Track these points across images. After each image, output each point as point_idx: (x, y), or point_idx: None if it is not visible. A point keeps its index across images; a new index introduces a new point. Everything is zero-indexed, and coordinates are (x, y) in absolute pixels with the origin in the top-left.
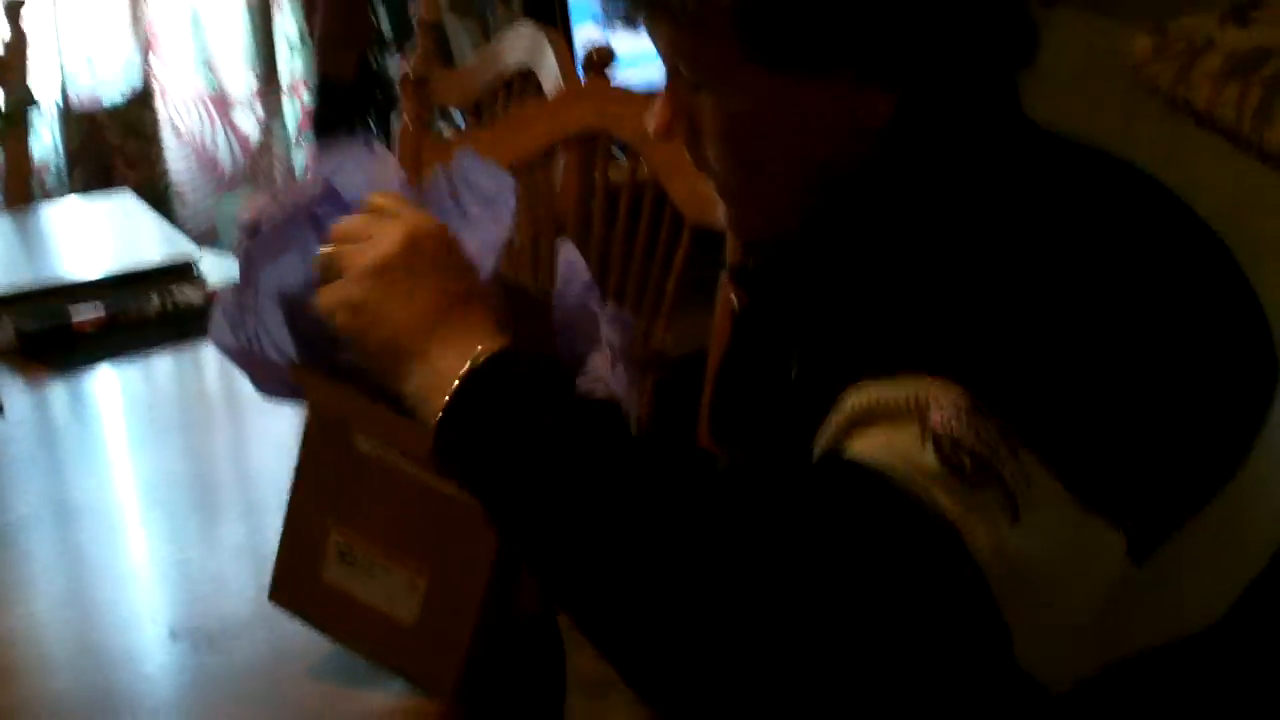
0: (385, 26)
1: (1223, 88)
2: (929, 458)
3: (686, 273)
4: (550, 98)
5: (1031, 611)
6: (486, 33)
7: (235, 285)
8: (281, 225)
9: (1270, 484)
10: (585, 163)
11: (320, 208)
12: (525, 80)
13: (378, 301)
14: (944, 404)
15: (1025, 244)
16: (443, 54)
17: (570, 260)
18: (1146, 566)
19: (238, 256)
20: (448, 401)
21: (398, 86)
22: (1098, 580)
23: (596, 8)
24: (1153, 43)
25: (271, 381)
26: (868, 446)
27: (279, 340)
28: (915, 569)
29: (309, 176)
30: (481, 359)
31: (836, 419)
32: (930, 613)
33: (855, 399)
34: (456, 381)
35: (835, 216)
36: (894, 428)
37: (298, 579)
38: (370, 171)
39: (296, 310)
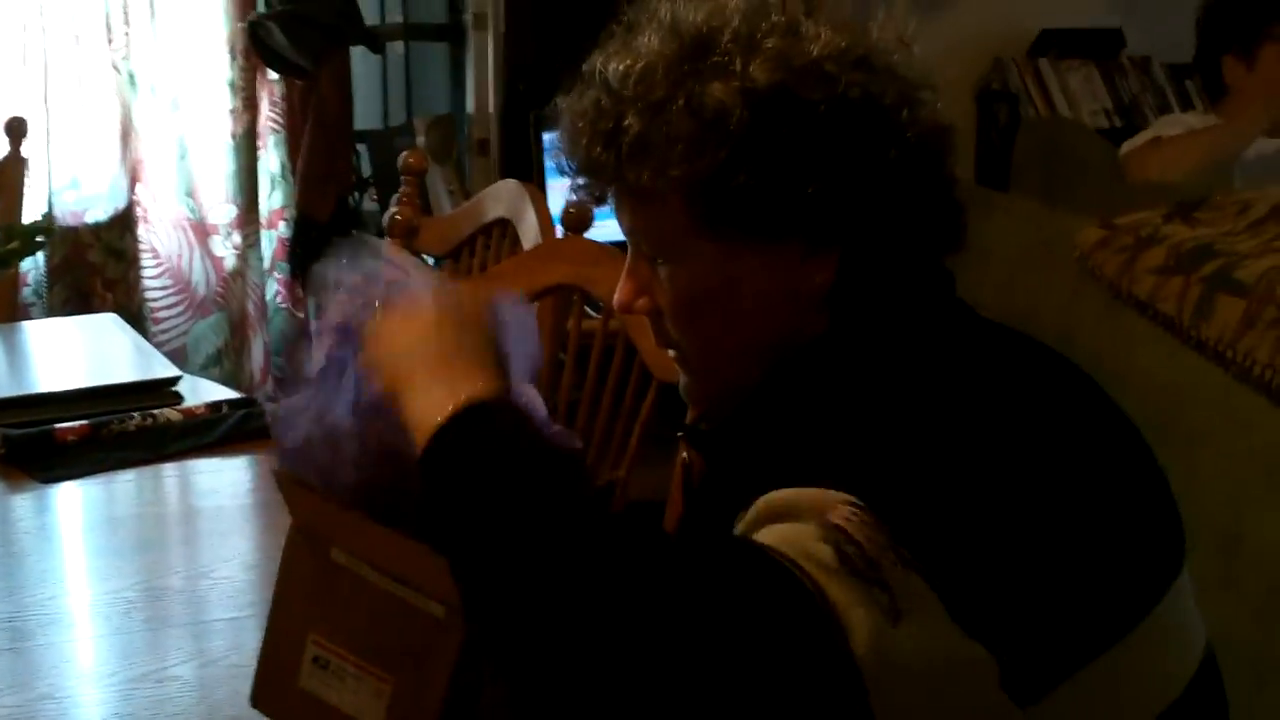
0: (365, 169)
1: (1165, 282)
2: (825, 551)
3: (651, 426)
4: (528, 250)
5: (903, 711)
6: (462, 180)
7: (308, 386)
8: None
9: (1156, 653)
10: (559, 313)
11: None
12: (503, 229)
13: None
14: (842, 509)
15: (942, 408)
16: (420, 198)
17: (530, 398)
18: (1035, 712)
19: (321, 356)
20: (434, 432)
21: (374, 228)
22: (968, 697)
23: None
24: (1101, 235)
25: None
26: (771, 537)
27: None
28: (800, 652)
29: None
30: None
31: (747, 516)
32: (808, 694)
33: (765, 499)
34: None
35: (780, 386)
36: (796, 524)
37: (276, 683)
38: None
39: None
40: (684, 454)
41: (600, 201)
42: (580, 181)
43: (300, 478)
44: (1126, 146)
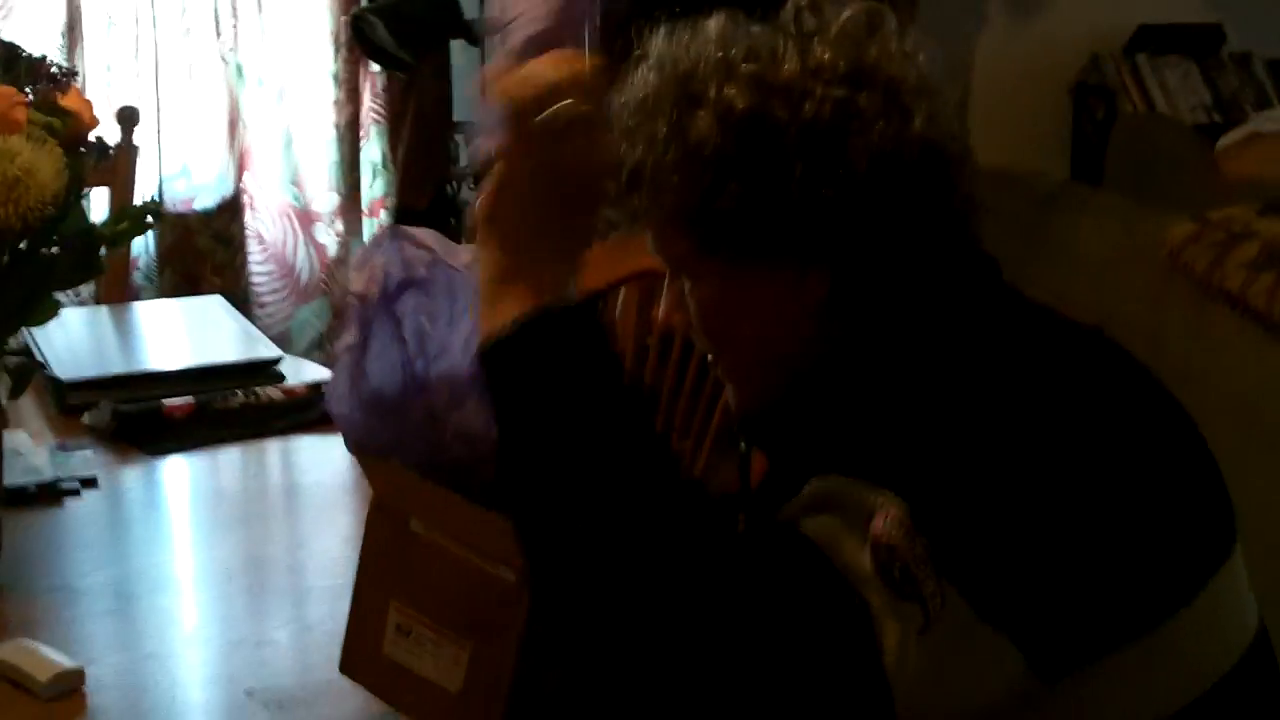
0: (464, 160)
1: (1256, 277)
2: (866, 560)
3: (728, 416)
4: (612, 238)
5: (927, 711)
6: None
7: (346, 353)
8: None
9: (1189, 646)
10: (644, 301)
11: (389, 291)
12: None
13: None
14: (888, 514)
15: (977, 396)
16: None
17: None
18: (1061, 688)
19: (356, 324)
20: (501, 333)
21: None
22: (994, 688)
23: None
24: (1192, 229)
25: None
26: (817, 528)
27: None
28: (832, 644)
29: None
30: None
31: (797, 499)
32: (833, 683)
33: (817, 484)
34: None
35: (813, 385)
36: (842, 523)
37: (362, 652)
38: (405, 249)
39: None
40: (742, 443)
41: (618, 227)
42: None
43: (375, 453)
44: (1223, 142)
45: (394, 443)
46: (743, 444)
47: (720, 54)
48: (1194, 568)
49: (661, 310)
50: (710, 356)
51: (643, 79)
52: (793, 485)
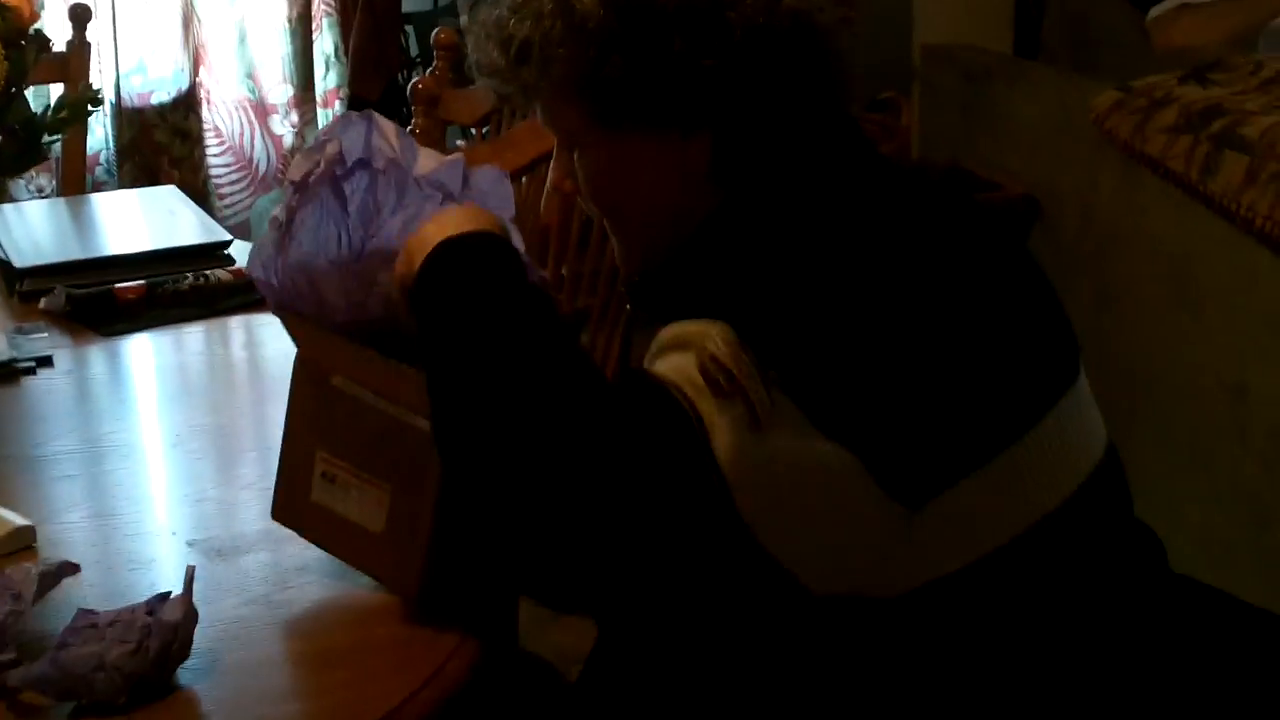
0: (414, 49)
1: (1175, 140)
2: (695, 373)
3: None
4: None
5: (769, 508)
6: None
7: (275, 228)
8: (312, 185)
9: (1038, 465)
10: (571, 176)
11: (340, 171)
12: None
13: None
14: (718, 338)
15: (837, 245)
16: (459, 75)
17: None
18: (929, 510)
19: (286, 204)
20: (425, 259)
21: None
22: (836, 496)
23: None
24: (1116, 97)
25: (274, 305)
26: (663, 366)
27: (276, 272)
28: (668, 455)
29: (322, 142)
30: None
31: (654, 343)
32: (673, 489)
33: (664, 331)
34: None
35: (692, 244)
36: (684, 353)
37: (291, 498)
38: (372, 135)
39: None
40: (628, 305)
41: (508, 102)
42: (491, 83)
43: (299, 314)
44: (1154, 13)
45: (316, 305)
46: (628, 306)
47: None
48: (1035, 395)
49: (550, 178)
50: (599, 222)
51: None
52: None
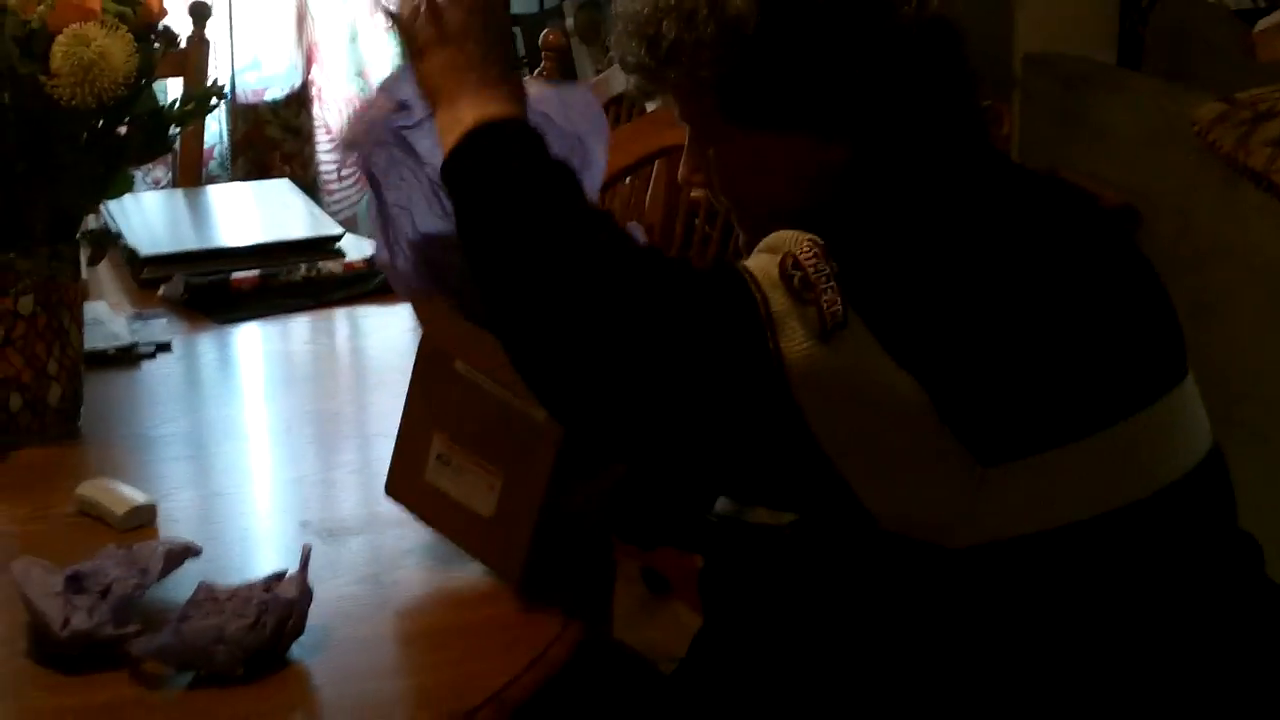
0: (520, 50)
1: (1279, 154)
2: (774, 270)
3: None
4: (643, 116)
5: (831, 415)
6: (610, 59)
7: (374, 207)
8: (378, 146)
9: (1136, 450)
10: (673, 176)
11: (397, 123)
12: (630, 104)
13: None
14: (805, 243)
15: (946, 227)
16: (567, 76)
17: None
18: (1005, 469)
19: (365, 177)
20: (456, 143)
21: None
22: (902, 423)
23: None
24: (1220, 109)
25: (404, 290)
26: (750, 260)
27: (405, 256)
28: (732, 332)
29: (376, 95)
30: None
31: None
32: (731, 365)
33: (765, 239)
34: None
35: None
36: (771, 254)
37: (406, 477)
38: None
39: (419, 231)
40: None
41: (650, 96)
42: (631, 83)
43: (425, 296)
44: (1261, 25)
45: (436, 282)
46: None
47: None
48: (1139, 384)
49: (681, 171)
50: (726, 208)
51: None
52: None
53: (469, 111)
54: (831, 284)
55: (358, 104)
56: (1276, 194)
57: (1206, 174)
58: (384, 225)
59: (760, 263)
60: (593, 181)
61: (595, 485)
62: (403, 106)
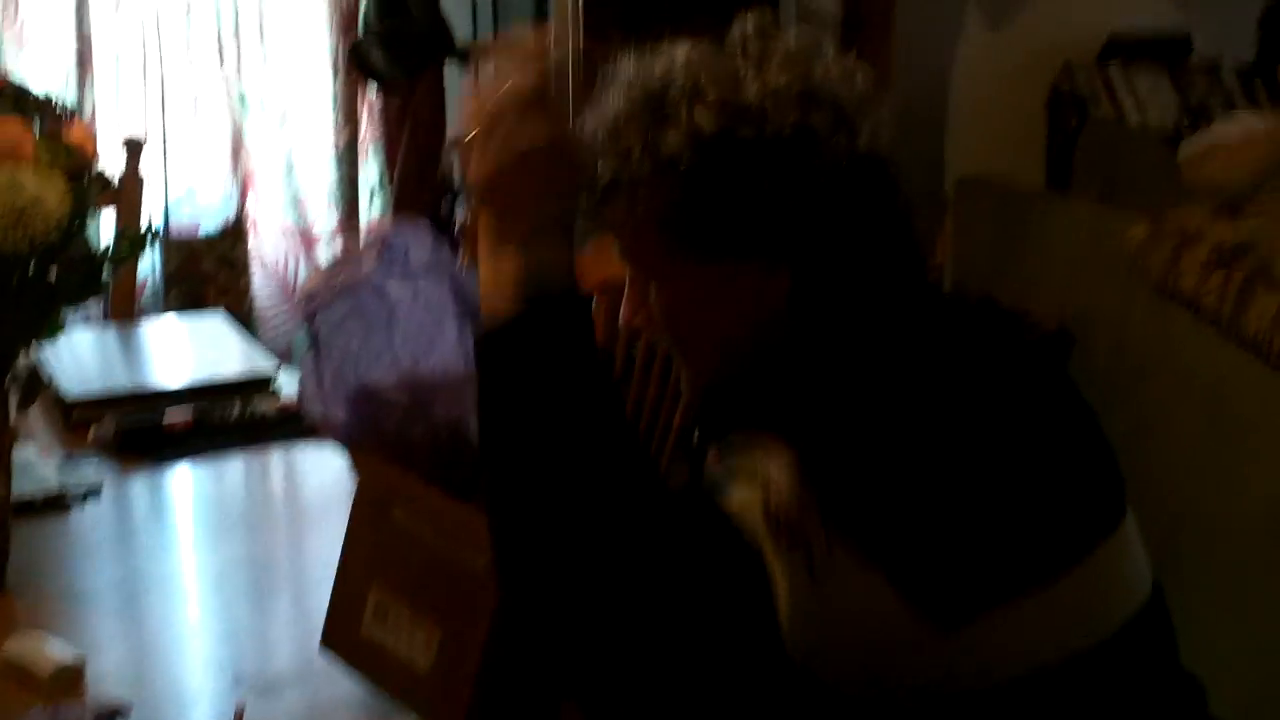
0: (456, 179)
1: (1208, 276)
2: (763, 523)
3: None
4: (595, 248)
5: (816, 647)
6: None
7: (310, 358)
8: (341, 299)
9: (1077, 603)
10: (613, 310)
11: (380, 278)
12: None
13: (510, 184)
14: (782, 481)
15: (897, 379)
16: None
17: None
18: (955, 636)
19: (307, 327)
20: (497, 321)
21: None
22: (884, 626)
23: None
24: (1148, 231)
25: (339, 440)
26: (736, 499)
27: (342, 407)
28: (734, 593)
29: (366, 249)
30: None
31: (720, 462)
32: (731, 620)
33: (737, 448)
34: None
35: (762, 366)
36: (750, 487)
37: (342, 629)
38: (429, 247)
39: (360, 384)
40: (695, 434)
41: (588, 235)
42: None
43: (363, 445)
44: (1185, 149)
45: (371, 434)
46: (696, 434)
47: (688, 79)
48: (1079, 534)
49: (623, 312)
50: (671, 349)
51: (613, 100)
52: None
53: (516, 266)
54: (816, 523)
55: (337, 257)
56: (1206, 316)
57: (1139, 294)
58: (318, 373)
59: (744, 503)
60: None
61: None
62: (390, 256)
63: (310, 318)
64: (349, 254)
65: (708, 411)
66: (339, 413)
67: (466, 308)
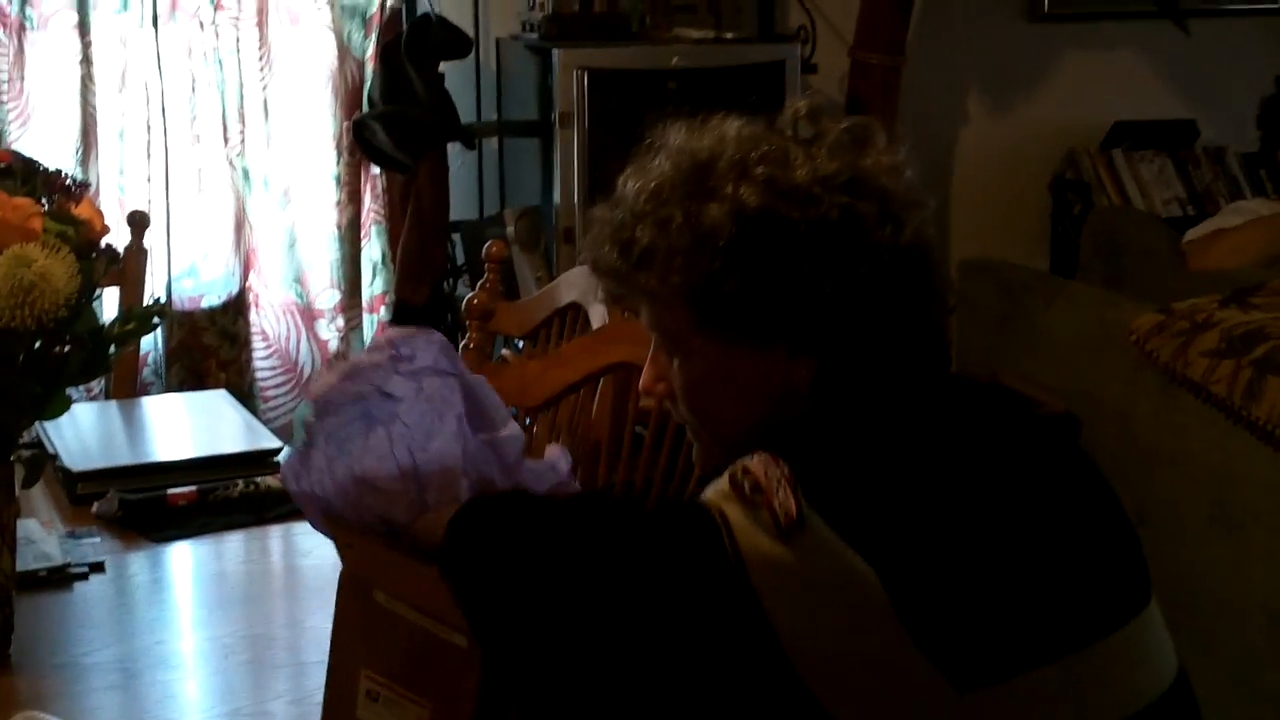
0: (460, 257)
1: (1217, 364)
2: (725, 483)
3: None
4: (592, 332)
5: (792, 610)
6: (549, 266)
7: (301, 444)
8: (346, 401)
9: (1099, 678)
10: (620, 391)
11: (390, 382)
12: (576, 313)
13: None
14: (753, 456)
15: (924, 462)
16: (508, 283)
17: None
18: (972, 697)
19: (305, 425)
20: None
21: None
22: (867, 624)
23: None
24: (1157, 319)
25: (318, 520)
26: (710, 491)
27: (328, 491)
28: (695, 557)
29: (374, 352)
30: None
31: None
32: (704, 592)
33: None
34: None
35: (772, 447)
36: (722, 477)
37: (338, 715)
38: (437, 354)
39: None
40: None
41: (619, 301)
42: (602, 285)
43: (343, 526)
44: (1189, 235)
45: (355, 513)
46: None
47: (737, 154)
48: (1104, 609)
49: (643, 380)
50: (686, 424)
51: (658, 168)
52: None
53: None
54: (784, 486)
55: (347, 363)
56: (1215, 404)
57: (1145, 381)
58: (307, 457)
59: (713, 487)
60: (498, 414)
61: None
62: (397, 359)
63: (315, 421)
64: (359, 362)
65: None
66: (322, 492)
67: (473, 405)
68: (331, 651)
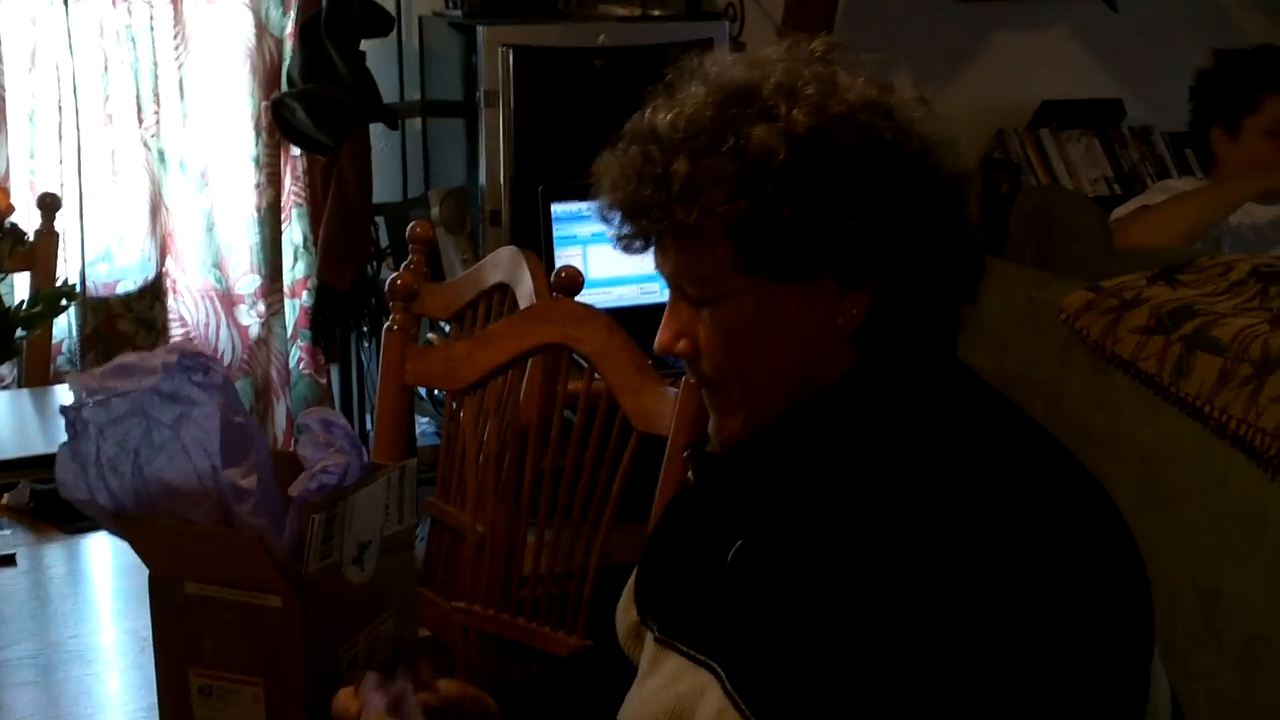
0: (384, 240)
1: (1146, 341)
2: None
3: (631, 477)
4: (520, 312)
5: None
6: (475, 248)
7: (71, 445)
8: (124, 397)
9: None
10: (549, 374)
11: (170, 383)
12: (503, 294)
13: None
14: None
15: (939, 487)
16: (434, 267)
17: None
18: None
19: (70, 421)
20: None
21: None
22: None
23: (577, 234)
24: (1087, 297)
25: (107, 521)
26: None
27: (115, 490)
28: None
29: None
30: None
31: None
32: None
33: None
34: None
35: (798, 424)
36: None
37: None
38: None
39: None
40: (689, 474)
41: (644, 248)
42: (626, 230)
43: (142, 522)
44: (1116, 213)
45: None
46: (690, 475)
47: (785, 76)
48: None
49: (661, 339)
50: (707, 388)
51: (693, 95)
52: (722, 520)
53: None
54: None
55: (126, 359)
56: (1145, 381)
57: (1075, 359)
58: (81, 458)
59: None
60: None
61: (374, 628)
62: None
63: (79, 408)
64: (138, 360)
65: (725, 458)
66: (105, 498)
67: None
68: (156, 662)
